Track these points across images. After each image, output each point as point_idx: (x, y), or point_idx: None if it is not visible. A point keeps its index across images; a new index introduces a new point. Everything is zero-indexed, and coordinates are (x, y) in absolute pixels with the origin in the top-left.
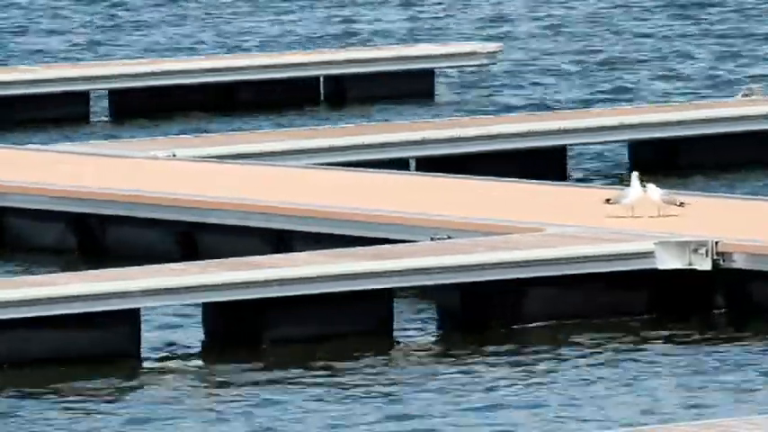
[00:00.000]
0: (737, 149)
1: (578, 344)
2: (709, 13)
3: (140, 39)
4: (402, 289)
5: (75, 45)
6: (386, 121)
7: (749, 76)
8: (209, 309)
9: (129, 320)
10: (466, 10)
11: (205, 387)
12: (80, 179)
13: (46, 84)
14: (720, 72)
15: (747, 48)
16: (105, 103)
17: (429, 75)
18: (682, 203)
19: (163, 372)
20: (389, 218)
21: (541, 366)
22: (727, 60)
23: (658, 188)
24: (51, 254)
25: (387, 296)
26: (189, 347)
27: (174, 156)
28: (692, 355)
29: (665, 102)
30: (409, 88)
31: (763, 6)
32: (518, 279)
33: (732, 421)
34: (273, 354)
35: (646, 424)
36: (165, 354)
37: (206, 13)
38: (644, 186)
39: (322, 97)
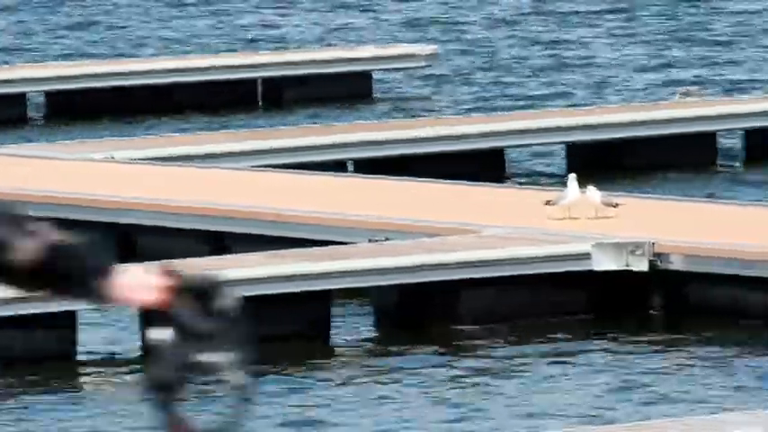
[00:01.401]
0: (675, 151)
1: (516, 345)
2: (645, 17)
3: (78, 40)
4: (340, 290)
5: (9, 46)
6: (324, 123)
7: (686, 79)
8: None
9: (65, 323)
10: (404, 12)
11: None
12: (17, 181)
13: None
14: (656, 75)
15: (683, 51)
16: (42, 104)
17: (366, 77)
18: (617, 205)
19: (99, 375)
20: (327, 219)
21: (479, 367)
22: (663, 63)
23: (598, 190)
24: None
25: (325, 298)
26: (127, 350)
27: (112, 158)
28: (628, 355)
29: (603, 104)
30: (347, 90)
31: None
32: (456, 280)
33: (668, 422)
34: None
35: (584, 424)
36: (101, 357)
37: (144, 15)
38: (584, 189)
39: (260, 99)
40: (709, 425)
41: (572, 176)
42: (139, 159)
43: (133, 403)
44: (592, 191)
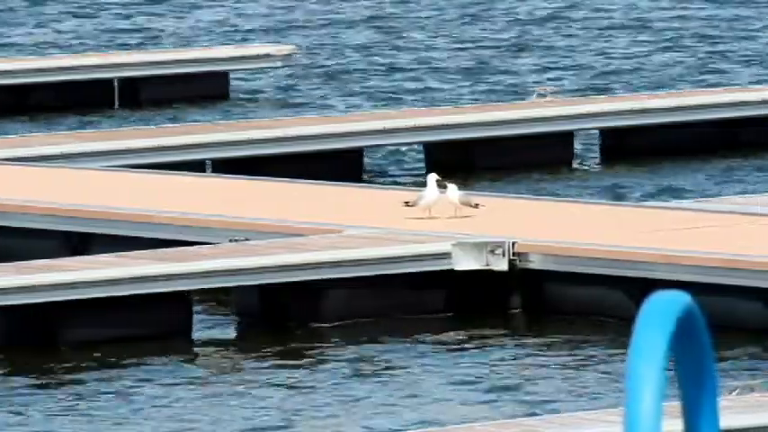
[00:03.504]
0: (533, 150)
1: (377, 344)
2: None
3: None
4: (201, 291)
5: None
6: (181, 123)
7: (545, 78)
8: (3, 312)
9: None
10: (263, 12)
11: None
12: None
13: None
14: (515, 74)
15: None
16: None
17: (224, 77)
18: (477, 205)
19: None
20: (187, 220)
21: (340, 366)
22: (522, 64)
23: (458, 189)
24: None
25: (185, 298)
26: None
27: None
28: (488, 355)
29: (461, 103)
30: (204, 90)
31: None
32: (318, 280)
33: (528, 421)
34: (71, 358)
35: (443, 425)
36: None
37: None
38: (444, 187)
39: (117, 99)
40: (568, 422)
41: (431, 176)
42: None
43: None
44: (452, 189)
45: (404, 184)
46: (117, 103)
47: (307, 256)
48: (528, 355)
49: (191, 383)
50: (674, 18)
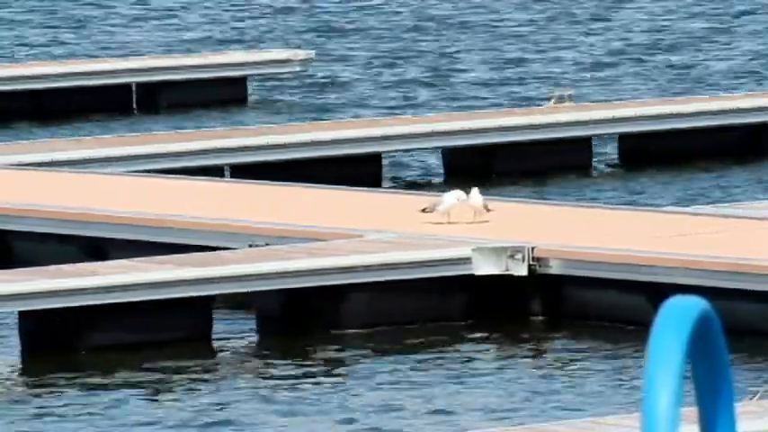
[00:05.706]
0: (551, 156)
1: (398, 349)
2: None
3: None
4: (221, 296)
5: None
6: (199, 128)
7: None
8: (25, 317)
9: None
10: (281, 16)
11: (22, 397)
12: None
13: None
14: (534, 79)
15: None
16: None
17: (242, 82)
18: (488, 209)
19: None
20: (206, 225)
21: (361, 371)
22: (540, 69)
23: (479, 194)
24: None
25: (206, 303)
26: (5, 357)
27: None
28: (508, 359)
29: (480, 109)
30: (222, 95)
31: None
32: (339, 285)
33: (549, 425)
34: (92, 362)
35: (462, 429)
36: None
37: (13, 20)
38: (467, 191)
39: (135, 105)
40: (585, 427)
41: (456, 192)
42: (15, 165)
43: (9, 408)
44: (475, 194)
45: (422, 188)
46: (135, 108)
47: (328, 261)
48: (546, 360)
49: (212, 388)
50: (691, 22)
